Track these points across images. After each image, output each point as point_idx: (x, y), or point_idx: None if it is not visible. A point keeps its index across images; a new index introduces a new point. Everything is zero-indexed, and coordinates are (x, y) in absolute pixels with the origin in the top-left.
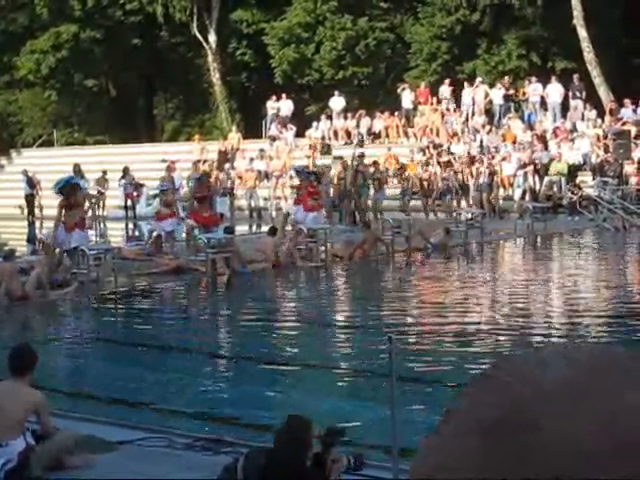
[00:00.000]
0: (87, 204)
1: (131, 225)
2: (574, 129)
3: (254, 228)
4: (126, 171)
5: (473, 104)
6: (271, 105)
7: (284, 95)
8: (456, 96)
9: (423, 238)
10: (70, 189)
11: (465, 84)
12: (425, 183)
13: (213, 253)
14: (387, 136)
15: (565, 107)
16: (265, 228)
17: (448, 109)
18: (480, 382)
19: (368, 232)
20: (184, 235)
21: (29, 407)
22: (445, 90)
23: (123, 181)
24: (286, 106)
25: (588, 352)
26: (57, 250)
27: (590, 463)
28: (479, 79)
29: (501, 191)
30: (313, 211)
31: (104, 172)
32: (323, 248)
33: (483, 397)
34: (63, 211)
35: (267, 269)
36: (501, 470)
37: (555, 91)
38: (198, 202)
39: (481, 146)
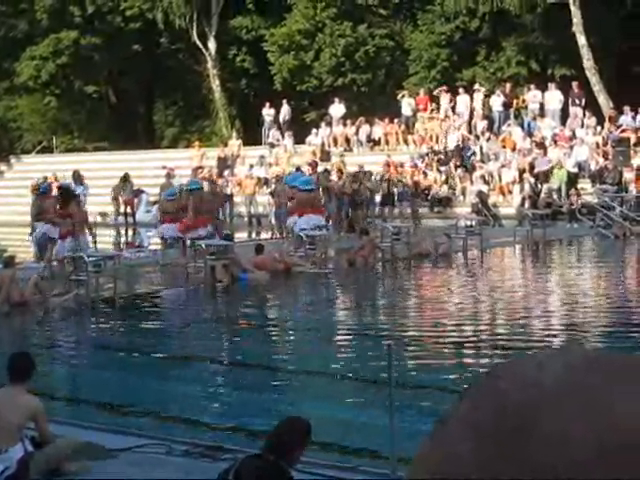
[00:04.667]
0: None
1: (131, 232)
2: (573, 136)
3: (253, 235)
4: (126, 177)
5: (472, 111)
6: (267, 112)
7: (284, 101)
8: (454, 103)
9: (425, 247)
10: (67, 199)
11: (460, 91)
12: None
13: (212, 260)
14: (387, 143)
15: (564, 114)
16: (265, 235)
17: (447, 116)
18: (478, 387)
19: (366, 239)
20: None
21: (27, 414)
22: (444, 98)
23: (126, 187)
24: (284, 112)
25: (583, 355)
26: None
27: (585, 464)
28: (477, 86)
29: (500, 198)
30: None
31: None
32: (323, 254)
33: (480, 402)
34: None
35: (267, 277)
36: (497, 474)
37: (554, 98)
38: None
39: (481, 153)
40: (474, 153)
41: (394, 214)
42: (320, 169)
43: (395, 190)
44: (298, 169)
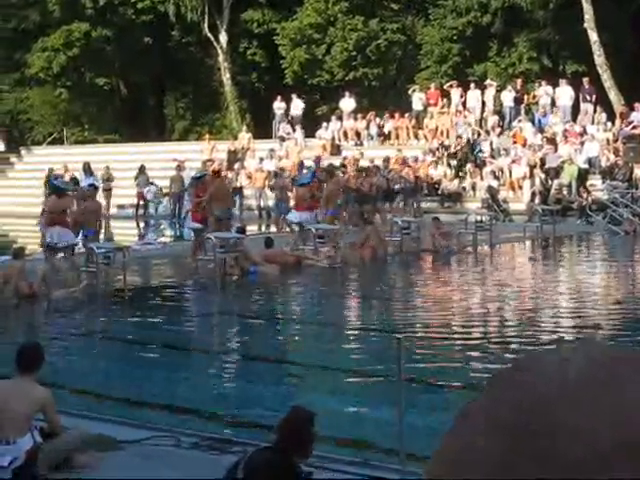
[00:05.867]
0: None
1: (142, 224)
2: (584, 132)
3: (263, 228)
4: (142, 169)
5: (483, 106)
6: (277, 106)
7: (294, 95)
8: (465, 98)
9: (436, 240)
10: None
11: (471, 86)
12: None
13: (222, 252)
14: (397, 137)
15: (575, 110)
16: (274, 228)
17: (458, 111)
18: (501, 380)
19: (370, 228)
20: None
21: (36, 405)
22: (455, 93)
23: (139, 179)
24: (295, 106)
25: (606, 349)
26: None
27: (611, 459)
28: (488, 81)
29: (510, 193)
30: (307, 210)
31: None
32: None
33: (504, 396)
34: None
35: (277, 271)
36: (519, 470)
37: (565, 94)
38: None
39: (491, 148)
40: (481, 150)
41: (396, 209)
42: (327, 163)
43: (397, 186)
44: (301, 165)
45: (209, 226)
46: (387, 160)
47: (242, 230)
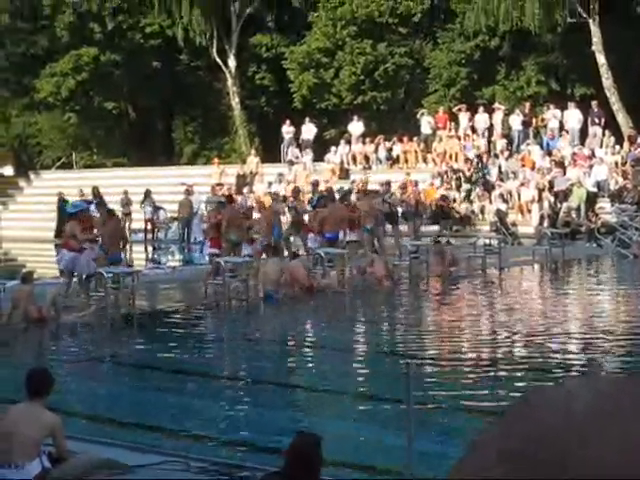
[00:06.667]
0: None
1: (150, 248)
2: (593, 155)
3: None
4: (147, 194)
5: (491, 129)
6: (286, 130)
7: (307, 119)
8: (473, 122)
9: (446, 265)
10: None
11: (480, 109)
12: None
13: (231, 277)
14: (406, 161)
15: (584, 133)
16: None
17: (467, 135)
18: (510, 413)
19: (372, 256)
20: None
21: (45, 429)
22: (463, 116)
23: (145, 204)
24: (308, 130)
25: (612, 381)
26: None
27: None
28: (496, 104)
29: (519, 217)
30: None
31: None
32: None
33: (512, 428)
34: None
35: (297, 293)
36: None
37: (574, 117)
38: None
39: (499, 171)
40: (486, 174)
41: (400, 232)
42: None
43: (399, 209)
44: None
45: (224, 251)
46: (388, 184)
47: (295, 255)
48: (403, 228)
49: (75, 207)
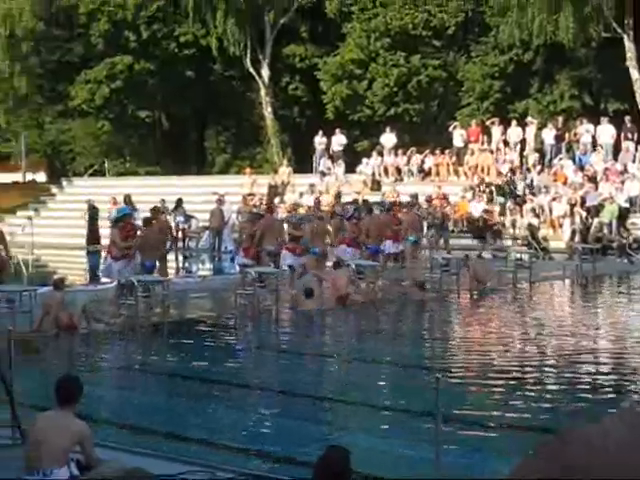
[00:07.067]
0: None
1: (181, 257)
2: (625, 171)
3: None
4: (179, 203)
5: (523, 141)
6: (318, 140)
7: (338, 130)
8: (506, 136)
9: (477, 280)
10: (127, 222)
11: (513, 123)
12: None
13: (260, 287)
14: (437, 174)
15: (617, 149)
16: None
17: (499, 148)
18: (546, 450)
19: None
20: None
21: (74, 437)
22: (495, 130)
23: (177, 213)
24: (337, 141)
25: None
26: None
27: None
28: (529, 118)
29: (550, 231)
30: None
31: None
32: (371, 285)
33: (549, 464)
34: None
35: (329, 303)
36: None
37: (607, 132)
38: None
39: (531, 186)
40: (515, 188)
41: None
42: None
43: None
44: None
45: (262, 261)
46: (415, 197)
47: (338, 264)
48: (425, 242)
49: (120, 212)
